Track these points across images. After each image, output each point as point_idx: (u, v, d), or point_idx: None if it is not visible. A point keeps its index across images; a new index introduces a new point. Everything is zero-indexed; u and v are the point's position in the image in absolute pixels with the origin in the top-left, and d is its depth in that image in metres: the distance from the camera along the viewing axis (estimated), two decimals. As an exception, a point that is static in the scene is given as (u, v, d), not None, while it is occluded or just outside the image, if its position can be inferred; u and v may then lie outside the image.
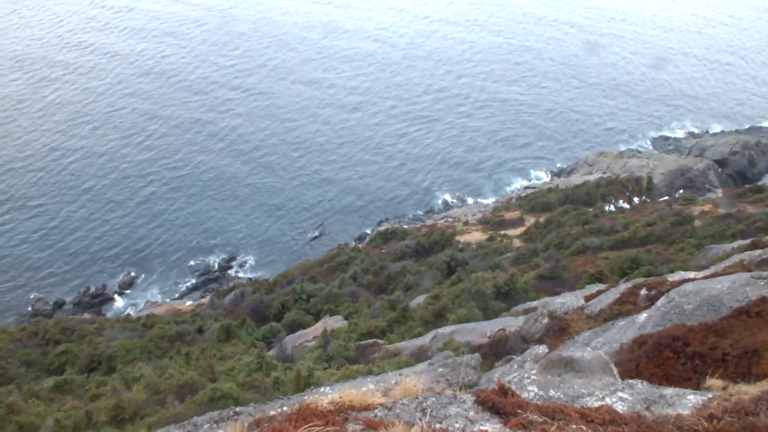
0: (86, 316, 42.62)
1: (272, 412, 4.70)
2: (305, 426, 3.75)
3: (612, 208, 49.10)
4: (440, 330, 18.60)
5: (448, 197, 59.93)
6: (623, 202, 50.81)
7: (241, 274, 50.09)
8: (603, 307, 13.52)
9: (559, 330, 13.90)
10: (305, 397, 5.52)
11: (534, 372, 4.65)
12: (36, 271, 49.60)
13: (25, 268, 49.72)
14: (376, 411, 4.20)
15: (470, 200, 59.69)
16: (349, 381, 8.66)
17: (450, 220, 51.73)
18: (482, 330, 17.45)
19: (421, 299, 28.18)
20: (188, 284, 49.17)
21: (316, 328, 26.08)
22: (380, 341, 21.83)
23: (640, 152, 64.16)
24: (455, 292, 25.48)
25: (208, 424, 4.96)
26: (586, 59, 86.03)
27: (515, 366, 7.14)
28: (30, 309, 46.13)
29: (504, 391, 4.27)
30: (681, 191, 54.29)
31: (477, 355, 8.17)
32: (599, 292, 15.68)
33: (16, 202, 56.62)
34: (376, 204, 58.47)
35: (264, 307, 32.98)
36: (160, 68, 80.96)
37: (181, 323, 31.63)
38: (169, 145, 64.78)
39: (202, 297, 44.87)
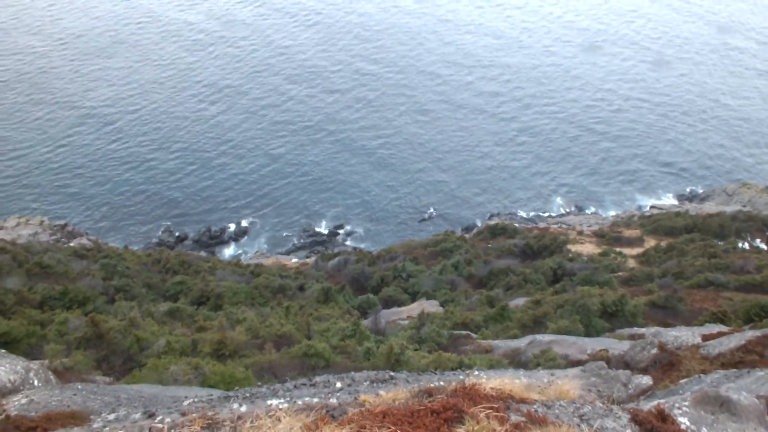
0: (202, 254, 45.85)
1: (431, 384, 4.81)
2: (476, 406, 3.82)
3: (746, 246, 44.99)
4: (538, 336, 18.13)
5: (565, 203, 57.81)
6: (761, 242, 46.38)
7: (347, 243, 51.58)
8: (723, 351, 12.50)
9: (668, 364, 13.05)
10: (460, 377, 5.61)
11: (686, 404, 4.42)
12: (168, 207, 54.08)
13: (160, 203, 54.35)
14: (535, 406, 4.19)
15: (588, 210, 57.22)
16: (498, 369, 8.67)
17: (564, 226, 49.91)
18: (582, 346, 16.80)
19: (521, 301, 27.59)
20: (296, 242, 51.44)
21: (412, 309, 26.35)
22: (473, 335, 21.69)
23: (791, 191, 58.10)
24: (558, 301, 24.69)
25: (367, 382, 5.17)
26: (755, 78, 78.61)
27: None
28: (156, 239, 50.47)
29: (663, 416, 4.11)
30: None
31: (629, 372, 7.90)
32: (720, 334, 14.51)
33: (163, 144, 61.79)
34: (491, 197, 57.68)
35: (364, 278, 33.76)
36: (304, 38, 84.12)
37: (285, 278, 33.20)
38: (306, 112, 67.41)
39: (308, 257, 46.73)
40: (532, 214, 56.33)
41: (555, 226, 50.42)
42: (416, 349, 17.52)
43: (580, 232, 46.67)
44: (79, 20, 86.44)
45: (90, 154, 60.26)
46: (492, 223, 49.13)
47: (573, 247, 41.20)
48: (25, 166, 58.65)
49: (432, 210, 55.65)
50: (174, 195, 55.40)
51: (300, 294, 30.12)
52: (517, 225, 48.94)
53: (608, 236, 44.87)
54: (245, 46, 79.82)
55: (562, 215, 55.98)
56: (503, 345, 19.22)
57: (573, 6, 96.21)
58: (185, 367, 12.73)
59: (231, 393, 4.49)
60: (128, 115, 66.14)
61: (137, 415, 4.14)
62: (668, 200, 58.87)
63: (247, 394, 4.43)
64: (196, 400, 4.20)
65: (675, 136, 66.74)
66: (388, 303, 29.92)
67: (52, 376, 7.64)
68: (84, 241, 45.82)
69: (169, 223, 52.54)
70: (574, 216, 55.26)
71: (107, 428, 3.81)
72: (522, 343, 18.59)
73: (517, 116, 68.84)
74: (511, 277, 32.67)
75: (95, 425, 4.00)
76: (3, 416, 5.05)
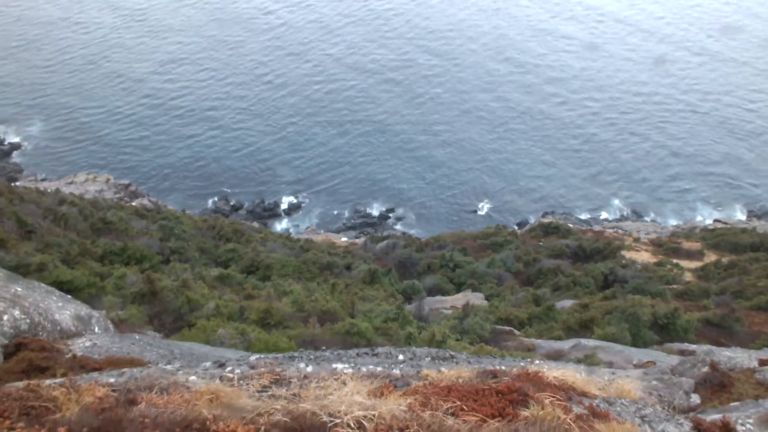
0: (255, 224, 46.90)
1: (490, 367, 4.85)
2: (541, 393, 3.84)
3: (815, 270, 42.60)
4: (583, 341, 17.79)
5: (623, 207, 56.13)
6: (832, 267, 43.80)
7: (397, 227, 51.72)
8: (781, 377, 11.93)
9: (719, 385, 12.56)
10: (521, 363, 5.62)
11: (751, 421, 4.28)
12: (227, 177, 55.53)
13: (220, 171, 55.89)
14: (596, 401, 4.17)
15: (647, 217, 55.39)
16: (559, 362, 8.65)
17: (619, 231, 48.50)
18: (628, 356, 16.39)
19: (568, 303, 27.08)
20: (347, 222, 51.92)
21: (456, 299, 26.27)
22: (516, 331, 21.48)
23: None
24: (606, 307, 24.11)
25: (428, 358, 5.26)
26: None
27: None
28: (213, 205, 51.92)
29: (728, 429, 4.01)
30: None
31: (692, 381, 7.72)
32: (779, 359, 13.84)
33: (227, 117, 63.36)
34: (546, 195, 56.60)
35: (410, 263, 33.83)
36: (369, 31, 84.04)
37: (333, 255, 33.61)
38: (371, 104, 67.51)
39: (357, 237, 47.12)
40: (587, 215, 54.97)
41: (610, 230, 49.07)
42: (458, 339, 17.49)
43: (637, 239, 45.27)
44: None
45: (158, 121, 62.30)
46: (545, 221, 48.25)
47: (627, 254, 40.03)
48: (98, 126, 61.19)
49: (486, 203, 55.09)
50: (234, 165, 56.78)
51: (347, 273, 30.45)
52: (571, 225, 47.88)
53: (666, 246, 43.36)
54: (312, 40, 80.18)
55: (618, 220, 54.41)
56: (546, 345, 18.95)
57: (652, 11, 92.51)
58: (232, 332, 13.13)
59: (296, 353, 4.64)
60: (199, 90, 67.93)
61: (208, 364, 4.34)
62: (735, 215, 56.31)
63: (312, 356, 4.57)
64: (262, 356, 4.37)
65: (749, 150, 63.59)
66: (433, 291, 29.92)
67: (110, 325, 8.03)
68: (145, 201, 47.58)
69: (226, 191, 53.94)
70: (631, 222, 53.61)
71: (180, 371, 4.01)
72: (566, 345, 18.28)
73: (582, 122, 66.95)
74: (560, 278, 32.09)
75: (168, 367, 4.21)
76: (70, 355, 5.37)
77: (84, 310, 7.58)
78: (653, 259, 40.12)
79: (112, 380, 3.64)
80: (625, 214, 55.50)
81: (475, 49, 78.17)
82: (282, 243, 35.34)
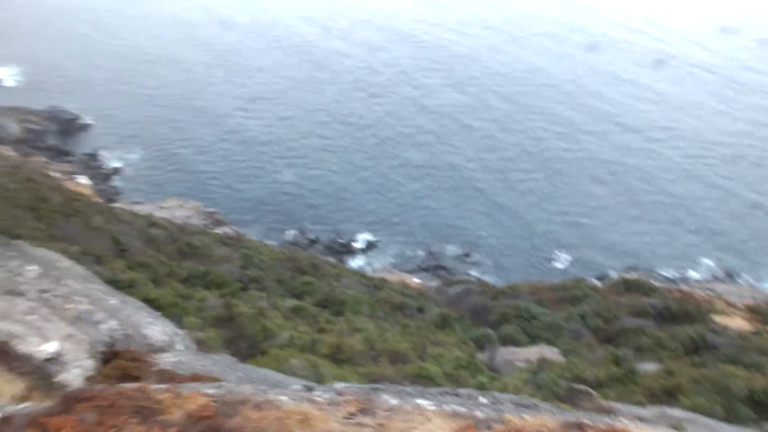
0: (331, 259, 47.55)
1: (575, 420, 4.65)
2: None
3: None
4: (668, 410, 16.61)
5: (715, 267, 52.77)
6: None
7: (472, 272, 50.93)
8: None
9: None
10: (606, 419, 5.35)
11: None
12: (307, 210, 57.04)
13: (301, 205, 57.53)
14: None
15: (742, 280, 51.76)
16: (647, 423, 8.23)
17: (710, 293, 45.48)
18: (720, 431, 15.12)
19: (650, 366, 25.46)
20: (422, 263, 51.71)
21: (530, 351, 25.33)
22: (593, 392, 20.34)
23: None
24: (695, 376, 22.46)
25: (510, 404, 5.11)
26: None
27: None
28: (291, 237, 53.27)
29: None
30: None
31: None
32: None
33: (312, 152, 65.54)
34: (630, 248, 54.23)
35: (484, 311, 33.04)
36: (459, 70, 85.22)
37: (406, 296, 33.41)
38: (456, 143, 67.72)
39: (430, 279, 46.73)
40: (674, 274, 52.04)
41: (700, 291, 46.13)
42: (531, 394, 16.76)
43: (730, 304, 42.24)
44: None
45: (244, 156, 65.22)
46: (628, 276, 46.05)
47: (719, 318, 37.34)
48: (190, 157, 64.80)
49: (565, 254, 53.42)
50: (313, 201, 58.26)
51: (418, 315, 30.13)
52: (656, 283, 45.42)
53: (765, 313, 40.18)
54: (392, 83, 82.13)
55: (709, 281, 51.13)
56: (626, 410, 17.79)
57: (747, 63, 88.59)
58: (304, 363, 13.18)
59: (380, 385, 4.61)
60: (282, 128, 70.69)
61: (297, 386, 4.37)
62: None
63: (396, 390, 4.53)
64: (348, 385, 4.37)
65: None
66: (506, 341, 28.97)
67: (192, 344, 8.26)
68: (228, 230, 49.45)
69: (305, 225, 55.25)
70: (723, 284, 50.22)
71: (273, 390, 4.06)
72: (648, 412, 17.11)
73: (671, 176, 64.17)
74: (643, 339, 30.27)
75: (262, 386, 4.27)
76: (158, 368, 5.57)
77: (170, 327, 7.85)
78: (749, 327, 37.20)
79: (211, 391, 3.73)
80: (717, 274, 52.12)
81: (555, 98, 77.30)
82: (357, 279, 35.55)
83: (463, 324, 29.80)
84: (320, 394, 3.98)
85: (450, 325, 28.02)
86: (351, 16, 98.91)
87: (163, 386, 3.35)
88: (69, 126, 68.67)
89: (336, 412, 3.72)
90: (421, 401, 4.31)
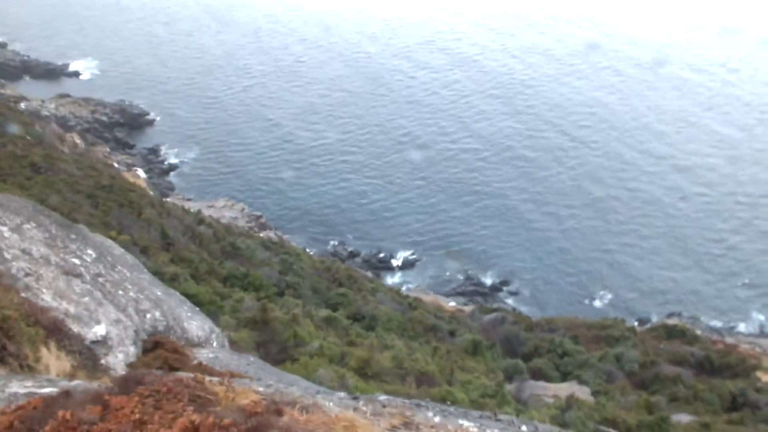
0: (368, 273, 47.83)
1: None
2: None
3: None
4: (699, 463, 16.04)
5: (766, 323, 50.57)
6: None
7: (508, 301, 50.34)
8: None
9: None
10: None
11: None
12: (350, 223, 57.61)
13: (344, 217, 58.18)
14: None
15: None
16: None
17: (757, 349, 43.67)
18: (752, 491, 14.53)
19: (685, 418, 24.67)
20: (458, 287, 51.40)
21: (560, 388, 24.87)
22: (622, 437, 19.85)
23: None
24: (732, 432, 21.68)
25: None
26: None
27: None
28: (331, 248, 53.84)
29: None
30: None
31: None
32: None
33: (362, 168, 66.24)
34: (675, 293, 52.53)
35: (517, 342, 32.64)
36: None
37: (439, 318, 33.31)
38: (507, 171, 67.11)
39: (465, 305, 46.40)
40: (719, 324, 50.08)
41: (746, 345, 44.30)
42: None
43: (777, 363, 40.43)
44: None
45: (295, 164, 66.48)
46: (670, 322, 44.64)
47: (764, 376, 35.83)
48: (243, 160, 66.53)
49: (605, 293, 52.18)
50: (357, 214, 58.81)
51: (450, 338, 29.99)
52: (698, 332, 43.89)
53: (812, 377, 38.27)
54: (450, 106, 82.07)
55: (757, 336, 48.99)
56: (654, 459, 17.29)
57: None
58: (332, 374, 13.38)
59: (423, 402, 4.75)
60: (335, 141, 71.62)
61: (342, 394, 4.55)
62: None
63: (438, 408, 4.66)
64: (391, 398, 4.54)
65: None
66: (536, 375, 28.52)
67: (227, 343, 8.58)
68: (271, 234, 50.39)
69: (346, 238, 55.79)
70: (773, 342, 48.08)
71: (320, 394, 4.25)
72: (678, 464, 16.58)
73: (726, 227, 61.74)
74: (680, 388, 29.33)
75: (310, 389, 4.45)
76: (196, 362, 5.87)
77: (208, 324, 8.20)
78: (795, 389, 35.51)
79: (261, 389, 3.95)
80: (766, 330, 49.94)
81: (613, 135, 75.88)
82: (391, 297, 35.67)
83: (494, 352, 29.50)
84: (365, 404, 4.11)
85: (481, 352, 27.79)
86: (414, 37, 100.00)
87: (217, 379, 3.59)
88: (135, 120, 71.67)
89: (380, 424, 3.83)
90: (463, 422, 4.41)
